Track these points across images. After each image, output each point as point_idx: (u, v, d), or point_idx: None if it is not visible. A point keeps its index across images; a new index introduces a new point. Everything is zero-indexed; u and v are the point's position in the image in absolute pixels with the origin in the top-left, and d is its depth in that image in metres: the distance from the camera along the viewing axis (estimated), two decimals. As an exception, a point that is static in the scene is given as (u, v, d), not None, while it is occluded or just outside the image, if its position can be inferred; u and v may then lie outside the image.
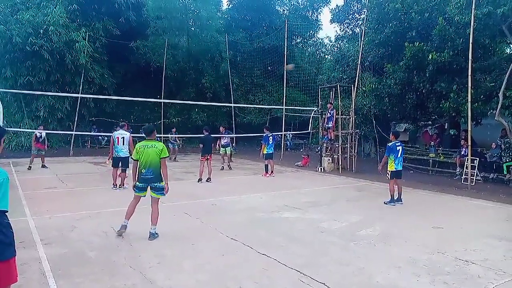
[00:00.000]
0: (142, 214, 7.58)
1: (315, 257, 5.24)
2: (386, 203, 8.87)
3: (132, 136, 10.59)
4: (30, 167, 13.94)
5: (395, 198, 8.95)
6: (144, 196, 6.32)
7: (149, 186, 6.14)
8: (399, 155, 9.04)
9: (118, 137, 10.19)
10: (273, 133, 14.08)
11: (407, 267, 4.91)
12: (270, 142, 13.49)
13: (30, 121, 21.05)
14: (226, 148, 15.11)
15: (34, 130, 14.66)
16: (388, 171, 9.09)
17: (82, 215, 7.31)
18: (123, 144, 10.20)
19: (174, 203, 7.56)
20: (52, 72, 20.87)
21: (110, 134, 10.52)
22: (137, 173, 6.12)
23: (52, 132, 20.04)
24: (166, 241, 5.88)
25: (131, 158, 6.38)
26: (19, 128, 19.94)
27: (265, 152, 13.48)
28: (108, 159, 11.76)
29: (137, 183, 6.13)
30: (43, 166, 14.28)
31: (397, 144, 9.02)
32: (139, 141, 6.45)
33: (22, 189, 9.91)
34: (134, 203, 6.27)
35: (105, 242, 5.76)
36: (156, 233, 6.06)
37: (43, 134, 14.53)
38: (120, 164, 10.24)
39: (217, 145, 15.19)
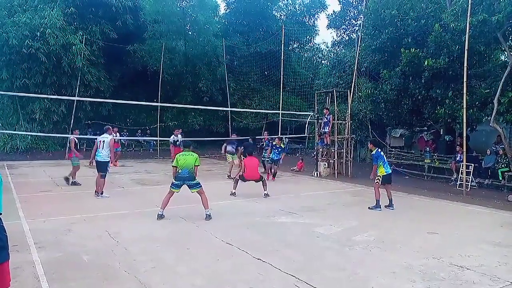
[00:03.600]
0: (137, 218, 7.58)
1: (310, 262, 5.24)
2: (371, 208, 8.87)
3: (129, 140, 10.52)
4: (75, 182, 11.54)
5: (385, 204, 9.02)
6: (178, 192, 7.46)
7: (185, 185, 7.45)
8: (385, 160, 9.25)
9: (100, 141, 9.79)
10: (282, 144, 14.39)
11: (402, 272, 4.91)
12: (278, 151, 13.82)
13: (25, 123, 20.97)
14: (233, 156, 14.55)
15: (34, 134, 12.20)
16: (379, 176, 9.05)
17: (77, 219, 7.27)
18: (103, 148, 9.71)
19: (170, 207, 7.53)
20: (49, 74, 20.82)
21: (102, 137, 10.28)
22: (175, 174, 7.56)
23: (47, 135, 19.99)
24: (161, 245, 5.85)
25: (171, 165, 7.71)
26: (15, 130, 19.86)
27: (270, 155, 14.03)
28: (114, 162, 11.44)
29: (174, 181, 7.48)
30: (74, 183, 11.48)
31: (379, 151, 9.24)
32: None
33: (17, 192, 9.85)
34: (169, 196, 7.46)
35: (99, 246, 5.73)
36: (210, 215, 7.47)
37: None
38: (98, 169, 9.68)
39: (223, 151, 15.05)
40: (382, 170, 9.03)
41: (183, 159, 7.49)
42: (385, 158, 9.40)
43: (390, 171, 9.31)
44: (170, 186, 7.52)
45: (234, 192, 10.16)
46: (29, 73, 20.41)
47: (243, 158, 11.18)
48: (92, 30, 22.27)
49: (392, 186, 9.76)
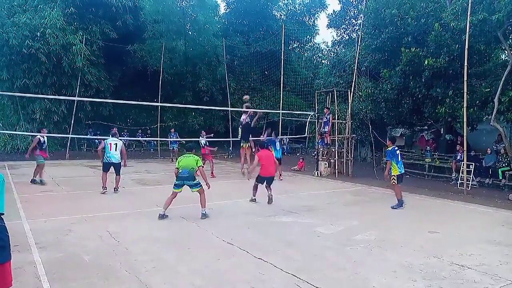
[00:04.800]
0: (138, 218, 7.58)
1: (311, 262, 5.24)
2: (394, 208, 8.86)
3: (129, 140, 10.60)
4: (36, 180, 11.32)
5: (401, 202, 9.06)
6: (180, 192, 7.60)
7: (185, 185, 7.58)
8: (399, 159, 9.21)
9: (110, 143, 10.14)
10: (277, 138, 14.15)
11: (403, 271, 4.91)
12: (278, 148, 13.68)
13: (26, 123, 20.99)
14: None
15: (35, 134, 12.42)
16: (393, 176, 9.05)
17: (77, 219, 7.27)
18: (116, 150, 10.14)
19: (170, 207, 7.54)
20: (49, 75, 20.84)
21: (107, 137, 10.47)
22: (177, 175, 7.65)
23: (48, 135, 19.97)
24: (162, 245, 5.85)
25: (175, 168, 7.77)
26: (15, 131, 19.87)
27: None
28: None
29: (175, 181, 7.61)
30: (40, 181, 11.38)
31: (395, 148, 9.21)
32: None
33: (18, 192, 9.85)
34: (172, 197, 7.59)
35: (100, 246, 5.73)
36: (206, 214, 7.62)
37: (46, 139, 11.85)
38: (112, 169, 10.21)
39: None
40: (396, 170, 9.02)
41: (184, 161, 7.64)
42: (400, 157, 9.31)
43: (403, 171, 9.33)
44: (173, 187, 7.65)
45: (255, 199, 9.30)
46: (29, 73, 20.43)
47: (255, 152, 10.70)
48: (92, 30, 22.30)
49: (393, 185, 9.77)
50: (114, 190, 10.22)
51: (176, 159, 8.22)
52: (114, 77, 24.64)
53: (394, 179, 9.03)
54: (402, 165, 9.35)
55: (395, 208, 8.87)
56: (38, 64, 20.07)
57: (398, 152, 9.23)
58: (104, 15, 22.86)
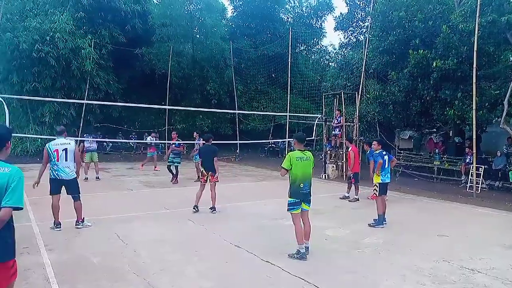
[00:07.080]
0: (146, 220, 7.61)
1: (319, 265, 5.22)
2: (372, 225, 7.39)
3: (138, 143, 10.42)
4: (98, 177, 13.11)
5: (373, 218, 7.60)
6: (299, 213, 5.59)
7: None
8: (386, 166, 7.80)
9: (57, 149, 6.58)
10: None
11: (412, 275, 4.87)
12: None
13: (35, 126, 21.18)
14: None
15: (44, 137, 12.85)
16: (375, 185, 7.74)
17: (86, 221, 7.31)
18: (66, 159, 6.62)
19: (178, 209, 7.56)
20: (58, 78, 21.02)
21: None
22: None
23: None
24: (170, 247, 5.87)
25: (283, 169, 5.43)
26: (25, 133, 20.08)
27: None
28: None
29: (291, 198, 5.44)
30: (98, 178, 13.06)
31: (383, 153, 7.80)
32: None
33: (27, 194, 9.91)
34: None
35: (108, 248, 5.76)
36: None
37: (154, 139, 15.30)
38: (64, 189, 6.87)
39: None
40: (378, 178, 7.72)
41: (302, 166, 5.36)
42: (387, 164, 7.86)
43: (388, 181, 7.94)
44: (288, 208, 5.50)
45: (348, 196, 10.44)
46: (39, 77, 20.61)
47: None
48: (101, 34, 22.47)
49: (402, 188, 9.68)
50: (76, 224, 6.83)
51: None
52: (123, 80, 24.78)
53: (376, 189, 7.70)
54: (389, 173, 7.93)
55: (372, 225, 7.38)
56: (48, 67, 20.24)
57: (386, 157, 7.79)
58: (113, 20, 23.05)
